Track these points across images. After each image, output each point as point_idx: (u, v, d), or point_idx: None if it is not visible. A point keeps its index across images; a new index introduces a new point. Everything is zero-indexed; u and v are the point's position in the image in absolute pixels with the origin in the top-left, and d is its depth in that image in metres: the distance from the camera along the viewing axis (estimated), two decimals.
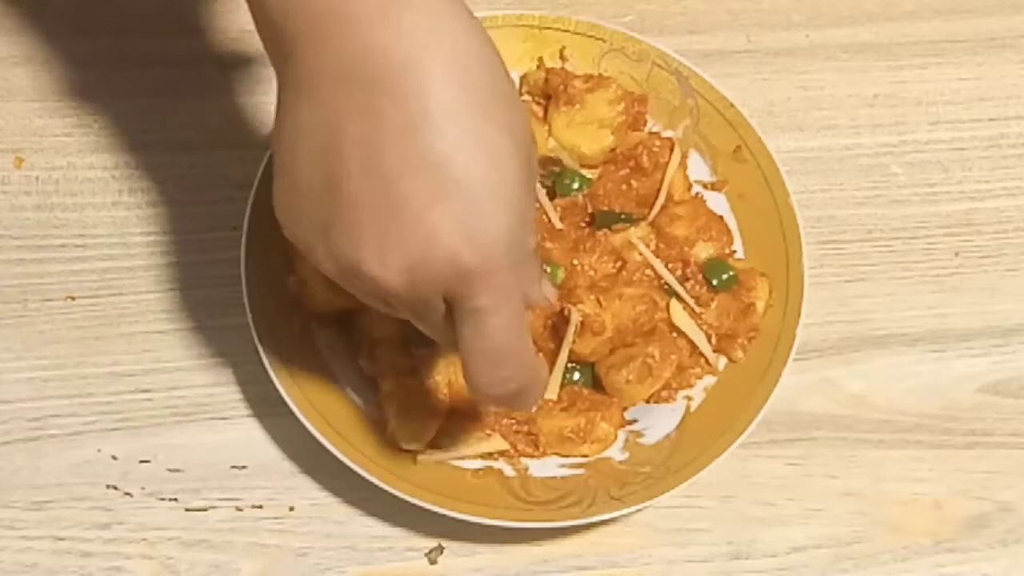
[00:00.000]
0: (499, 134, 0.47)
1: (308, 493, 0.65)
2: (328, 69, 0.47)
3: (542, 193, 0.68)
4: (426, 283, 0.48)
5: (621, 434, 0.64)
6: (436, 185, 0.46)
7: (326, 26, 0.47)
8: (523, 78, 0.72)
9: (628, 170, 0.70)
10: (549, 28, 0.72)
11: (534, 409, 0.62)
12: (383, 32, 0.46)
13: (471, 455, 0.63)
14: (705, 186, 0.71)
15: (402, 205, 0.47)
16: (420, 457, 0.62)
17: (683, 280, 0.66)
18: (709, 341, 0.66)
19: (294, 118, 0.48)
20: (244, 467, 0.65)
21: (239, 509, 0.64)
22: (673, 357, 0.64)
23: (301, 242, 0.51)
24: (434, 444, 0.63)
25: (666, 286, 0.66)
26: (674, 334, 0.65)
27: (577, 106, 0.69)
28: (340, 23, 0.46)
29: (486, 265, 0.47)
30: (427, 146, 0.46)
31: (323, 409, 0.62)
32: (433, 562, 0.63)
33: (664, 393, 0.65)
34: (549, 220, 0.67)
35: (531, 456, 0.64)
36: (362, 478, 0.60)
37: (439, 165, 0.46)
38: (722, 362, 0.66)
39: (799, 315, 0.65)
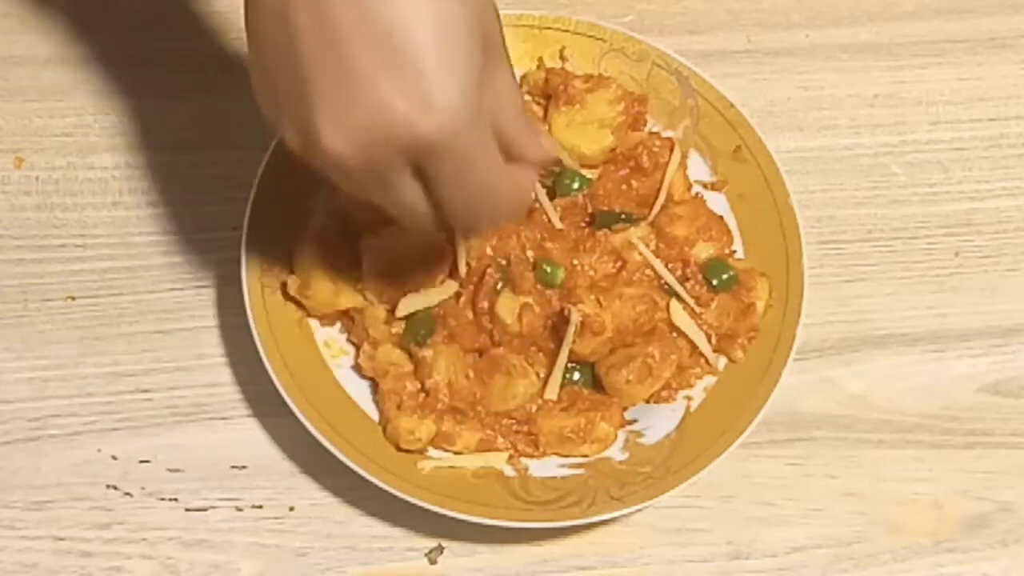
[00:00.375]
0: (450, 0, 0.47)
1: (308, 493, 0.65)
2: None
3: (542, 193, 0.68)
4: (382, 154, 0.48)
5: (621, 434, 0.64)
6: (385, 54, 0.47)
7: None
8: (523, 78, 0.72)
9: (628, 170, 0.70)
10: (549, 28, 0.72)
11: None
12: None
13: (470, 458, 0.63)
14: (705, 186, 0.71)
15: (353, 75, 0.47)
16: (420, 461, 0.62)
17: (683, 280, 0.66)
18: (709, 341, 0.66)
19: None
20: (244, 467, 0.65)
21: (239, 509, 0.64)
22: (673, 357, 0.64)
23: (273, 123, 0.51)
24: (434, 444, 0.63)
25: (666, 286, 0.66)
26: (674, 334, 0.65)
27: (577, 106, 0.69)
28: None
29: (444, 132, 0.48)
30: (374, 13, 0.46)
31: (323, 409, 0.62)
32: (433, 562, 0.63)
33: (664, 393, 0.65)
34: (549, 220, 0.67)
35: (531, 456, 0.64)
36: (362, 478, 0.60)
37: (387, 32, 0.46)
38: (722, 362, 0.66)
39: (799, 315, 0.65)
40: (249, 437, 0.66)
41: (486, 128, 0.50)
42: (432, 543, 0.64)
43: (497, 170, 0.51)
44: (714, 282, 0.66)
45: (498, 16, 0.51)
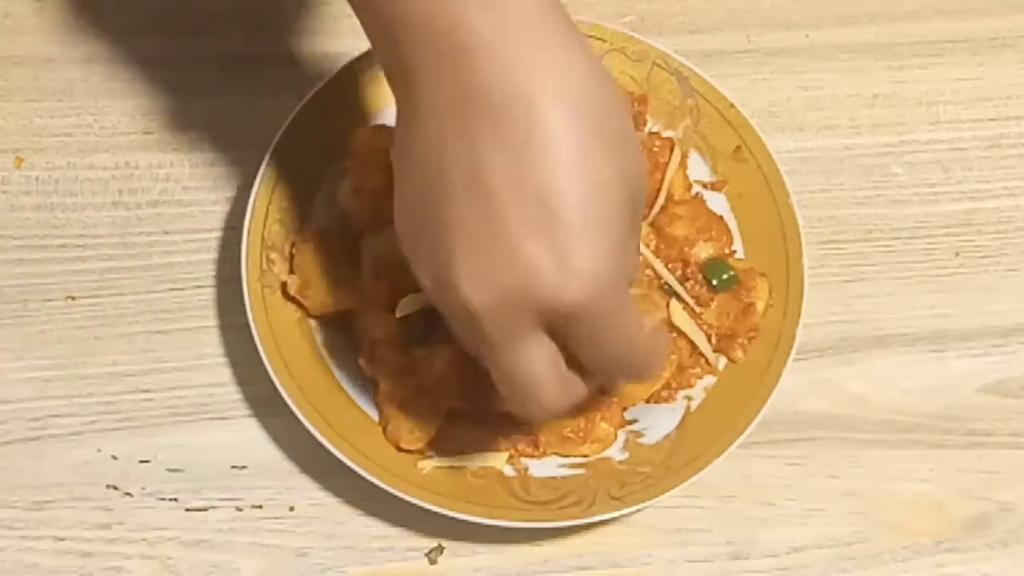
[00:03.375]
0: (605, 163, 0.47)
1: (308, 493, 0.65)
2: (445, 97, 0.48)
3: None
4: (517, 311, 0.48)
5: (621, 434, 0.64)
6: (536, 215, 0.47)
7: (446, 56, 0.47)
8: None
9: None
10: None
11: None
12: (499, 62, 0.47)
13: (470, 458, 0.63)
14: (705, 186, 0.71)
15: (502, 231, 0.47)
16: (420, 461, 0.62)
17: (683, 280, 0.66)
18: (709, 341, 0.66)
19: (411, 138, 0.49)
20: (244, 467, 0.65)
21: (239, 509, 0.64)
22: (673, 357, 0.64)
23: (410, 256, 0.51)
24: (434, 445, 0.63)
25: (666, 286, 0.66)
26: (674, 334, 0.65)
27: None
28: (459, 53, 0.47)
29: (588, 297, 0.48)
30: (529, 174, 0.47)
31: (323, 409, 0.62)
32: (433, 562, 0.63)
33: (664, 393, 0.65)
34: None
35: (531, 456, 0.64)
36: (362, 478, 0.60)
37: (540, 195, 0.47)
38: (722, 362, 0.66)
39: (799, 315, 0.65)
40: (249, 437, 0.66)
41: (626, 289, 0.50)
42: (432, 543, 0.64)
43: (636, 329, 0.51)
44: (714, 282, 0.66)
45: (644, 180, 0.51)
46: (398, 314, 0.63)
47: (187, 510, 0.64)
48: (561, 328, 0.49)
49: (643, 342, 0.52)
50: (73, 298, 0.68)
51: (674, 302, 0.65)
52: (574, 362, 0.51)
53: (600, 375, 0.53)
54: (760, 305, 0.66)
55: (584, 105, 0.47)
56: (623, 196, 0.48)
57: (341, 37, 0.74)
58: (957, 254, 0.73)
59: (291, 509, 0.64)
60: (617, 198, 0.48)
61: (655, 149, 0.69)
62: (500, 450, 0.63)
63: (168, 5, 0.76)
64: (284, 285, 0.64)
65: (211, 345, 0.67)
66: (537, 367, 0.51)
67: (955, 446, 0.67)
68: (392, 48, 0.49)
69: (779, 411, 0.66)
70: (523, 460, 0.63)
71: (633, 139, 0.50)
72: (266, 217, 0.65)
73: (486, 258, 0.48)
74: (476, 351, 0.52)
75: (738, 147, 0.70)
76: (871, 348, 0.70)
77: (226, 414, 0.66)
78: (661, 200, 0.69)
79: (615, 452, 0.64)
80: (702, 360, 0.66)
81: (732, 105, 0.70)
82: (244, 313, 0.63)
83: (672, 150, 0.70)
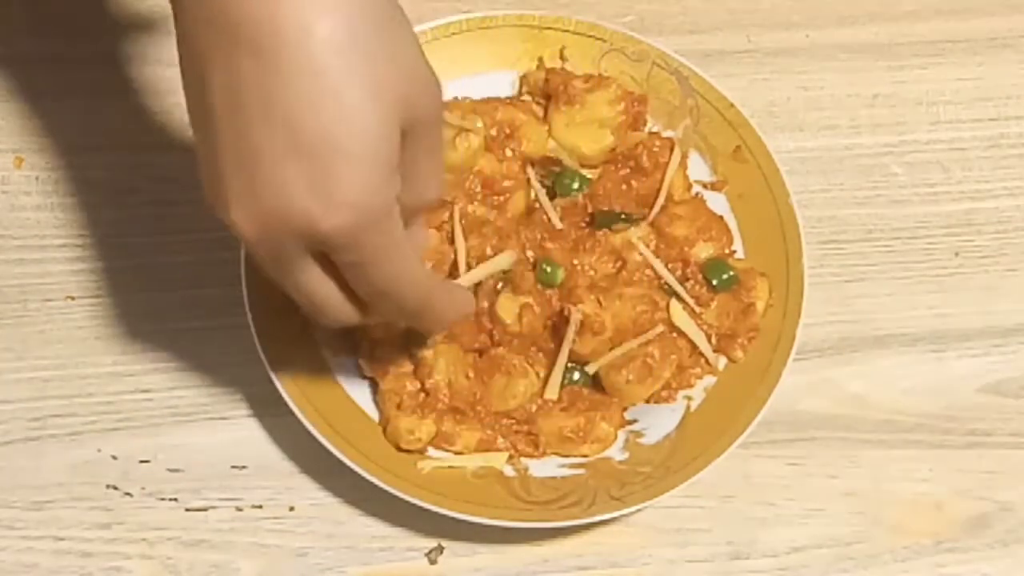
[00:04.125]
0: (359, 86, 0.46)
1: (308, 493, 0.65)
2: (203, 11, 0.47)
3: (542, 193, 0.68)
4: (280, 237, 0.48)
5: (621, 434, 0.64)
6: (289, 140, 0.46)
7: None
8: (523, 78, 0.72)
9: (628, 170, 0.70)
10: (549, 28, 0.72)
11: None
12: None
13: (470, 458, 0.63)
14: (705, 186, 0.71)
15: (260, 158, 0.47)
16: (420, 461, 0.62)
17: (683, 280, 0.66)
18: (709, 341, 0.66)
19: (182, 56, 0.50)
20: (244, 467, 0.65)
21: (239, 509, 0.64)
22: (673, 357, 0.64)
23: (201, 177, 0.51)
24: (434, 444, 0.63)
25: (666, 286, 0.66)
26: (674, 334, 0.65)
27: (577, 106, 0.69)
28: None
29: (344, 229, 0.47)
30: (280, 101, 0.46)
31: (323, 409, 0.62)
32: (433, 562, 0.63)
33: (664, 393, 0.65)
34: (549, 220, 0.67)
35: (531, 456, 0.64)
36: (362, 478, 0.60)
37: (289, 122, 0.46)
38: (722, 362, 0.66)
39: (799, 315, 0.65)
40: (249, 437, 0.66)
41: (394, 226, 0.49)
42: (432, 543, 0.64)
43: (407, 271, 0.51)
44: (714, 282, 0.66)
45: (437, 90, 0.50)
46: None
47: (187, 510, 0.64)
48: (331, 257, 0.49)
49: (417, 287, 0.52)
50: (73, 298, 0.68)
51: (674, 302, 0.65)
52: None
53: (376, 311, 0.52)
54: (760, 305, 0.66)
55: (338, 22, 0.46)
56: (386, 119, 0.47)
57: None
58: (957, 254, 0.73)
59: (291, 509, 0.64)
60: (377, 122, 0.47)
61: (655, 149, 0.69)
62: (500, 450, 0.63)
63: (168, 6, 0.76)
64: None
65: (211, 345, 0.67)
66: (315, 288, 0.51)
67: (955, 446, 0.67)
68: None
69: (779, 411, 0.66)
70: (523, 460, 0.63)
71: (405, 47, 0.49)
72: None
73: (249, 185, 0.48)
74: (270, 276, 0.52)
75: (738, 147, 0.70)
76: (871, 348, 0.70)
77: (226, 414, 0.66)
78: (661, 200, 0.69)
79: (615, 452, 0.64)
80: (702, 360, 0.66)
81: (732, 105, 0.70)
82: (244, 313, 0.63)
83: (672, 150, 0.70)
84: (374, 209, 0.48)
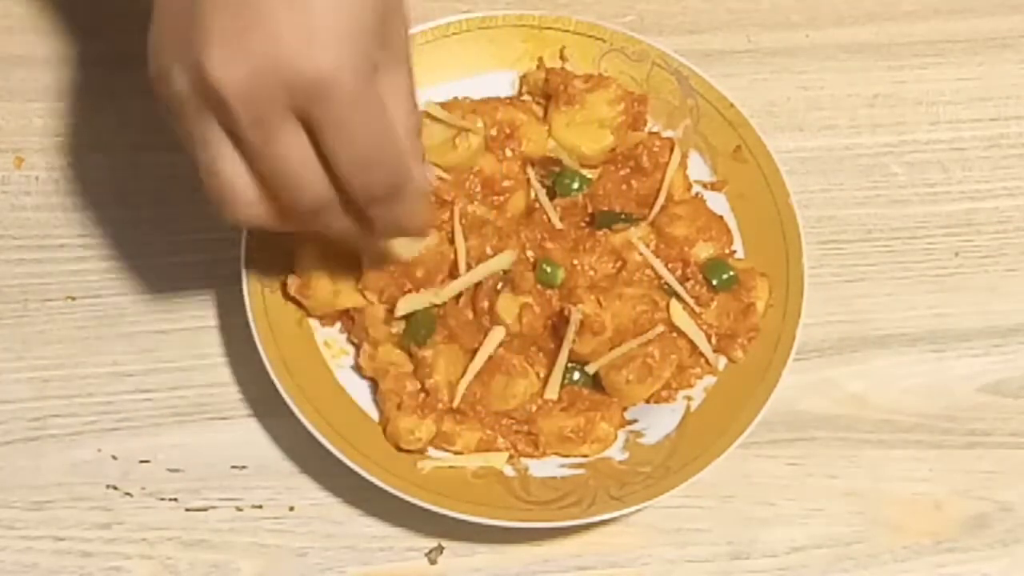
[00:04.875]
0: None
1: (308, 493, 0.65)
2: None
3: (542, 193, 0.68)
4: (269, 89, 0.48)
5: (621, 434, 0.64)
6: None
7: None
8: (523, 78, 0.72)
9: (628, 170, 0.70)
10: (549, 28, 0.72)
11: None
12: None
13: (470, 458, 0.63)
14: (705, 186, 0.71)
15: (252, 5, 0.48)
16: (420, 461, 0.62)
17: (683, 280, 0.66)
18: (709, 341, 0.66)
19: None
20: (244, 467, 0.65)
21: (239, 509, 0.64)
22: (673, 357, 0.64)
23: (163, 71, 0.51)
24: (434, 444, 0.63)
25: (666, 286, 0.66)
26: (674, 334, 0.65)
27: (577, 106, 0.69)
28: None
29: (327, 70, 0.48)
30: None
31: (323, 409, 0.62)
32: (433, 562, 0.63)
33: (664, 393, 0.65)
34: (549, 220, 0.67)
35: (531, 456, 0.64)
36: (362, 478, 0.60)
37: None
38: (722, 362, 0.66)
39: (799, 315, 0.65)
40: (249, 437, 0.66)
41: (374, 85, 0.50)
42: (432, 543, 0.64)
43: (389, 136, 0.51)
44: (714, 282, 0.66)
45: (406, 25, 0.52)
46: (398, 314, 0.63)
47: (187, 510, 0.64)
48: (313, 116, 0.49)
49: (398, 154, 0.52)
50: (73, 298, 0.68)
51: (674, 302, 0.65)
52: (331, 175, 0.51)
53: (353, 184, 0.51)
54: (760, 305, 0.66)
55: None
56: None
57: None
58: (957, 254, 0.73)
59: (291, 509, 0.64)
60: None
61: (655, 149, 0.69)
62: (500, 450, 0.63)
63: None
64: (284, 285, 0.65)
65: (211, 345, 0.67)
66: (294, 153, 0.50)
67: (954, 446, 0.67)
68: None
69: (779, 411, 0.66)
70: (523, 460, 0.63)
71: None
72: None
73: (237, 33, 0.48)
74: (217, 153, 0.51)
75: (738, 147, 0.70)
76: (871, 348, 0.70)
77: (226, 414, 0.66)
78: (661, 200, 0.69)
79: (615, 452, 0.64)
80: (702, 360, 0.66)
81: (732, 105, 0.70)
82: (244, 313, 0.63)
83: (672, 150, 0.70)
84: (356, 58, 0.48)
